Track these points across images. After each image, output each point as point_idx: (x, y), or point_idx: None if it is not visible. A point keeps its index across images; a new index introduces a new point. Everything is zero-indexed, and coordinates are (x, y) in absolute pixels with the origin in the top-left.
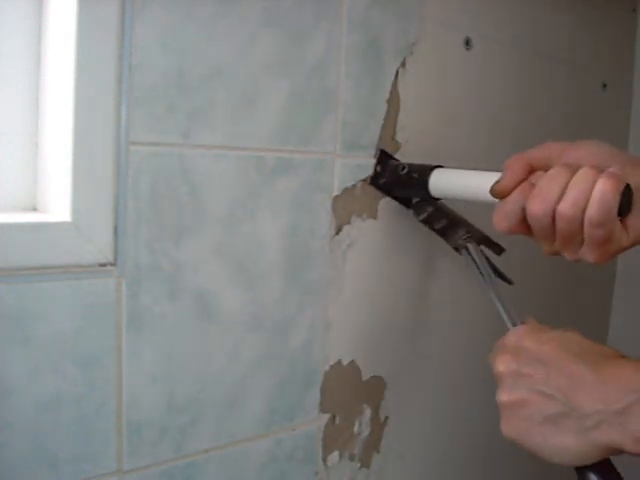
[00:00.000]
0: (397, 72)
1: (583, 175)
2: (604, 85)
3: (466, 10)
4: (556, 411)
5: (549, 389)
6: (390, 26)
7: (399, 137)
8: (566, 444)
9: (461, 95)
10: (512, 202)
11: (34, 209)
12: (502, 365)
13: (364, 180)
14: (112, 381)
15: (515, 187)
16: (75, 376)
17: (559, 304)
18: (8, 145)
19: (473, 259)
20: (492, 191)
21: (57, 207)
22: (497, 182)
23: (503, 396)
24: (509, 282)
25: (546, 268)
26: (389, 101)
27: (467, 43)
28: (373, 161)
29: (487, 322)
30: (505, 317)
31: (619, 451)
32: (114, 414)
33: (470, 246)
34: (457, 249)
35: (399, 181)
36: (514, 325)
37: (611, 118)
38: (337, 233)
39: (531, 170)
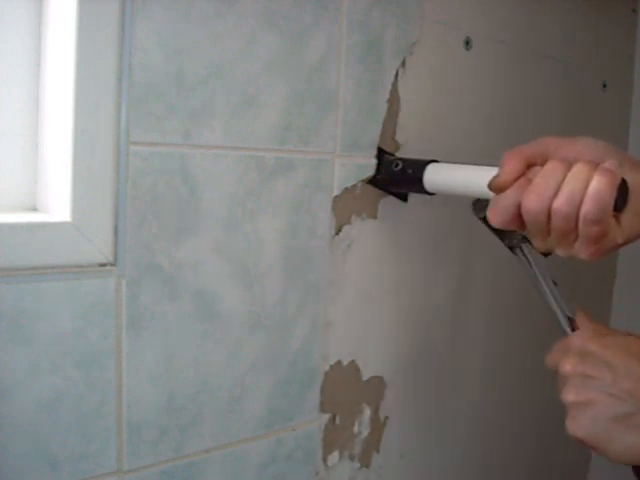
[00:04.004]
0: (397, 72)
1: (579, 171)
2: (604, 85)
3: (466, 10)
4: (624, 411)
5: (617, 391)
6: (390, 26)
7: (399, 137)
8: (632, 442)
9: (461, 95)
10: (508, 197)
11: (34, 209)
12: (569, 366)
13: (364, 180)
14: (112, 381)
15: (514, 181)
16: (75, 376)
17: None
18: (8, 145)
19: (528, 260)
20: (490, 185)
21: (57, 207)
22: (495, 177)
23: (570, 396)
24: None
25: (546, 268)
26: (389, 101)
27: (467, 43)
28: (373, 161)
29: (487, 321)
30: (562, 319)
31: None
32: (114, 414)
33: (525, 247)
34: (512, 249)
35: (394, 177)
36: (570, 325)
37: (611, 118)
38: (337, 233)
39: (528, 165)
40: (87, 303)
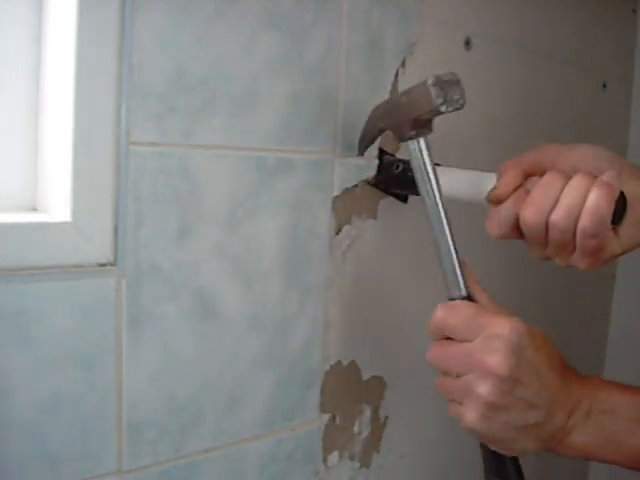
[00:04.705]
0: (397, 72)
1: (577, 183)
2: (604, 85)
3: (466, 10)
4: (535, 421)
5: (538, 400)
6: (390, 26)
7: None
8: (527, 447)
9: None
10: (505, 209)
11: (34, 209)
12: (506, 369)
13: (364, 180)
14: (112, 381)
15: (511, 193)
16: (75, 376)
17: (559, 304)
18: (8, 145)
19: (421, 154)
20: (488, 198)
21: (57, 207)
22: (493, 189)
23: (493, 397)
24: None
25: (546, 268)
26: None
27: (467, 43)
28: (373, 161)
29: None
30: (447, 260)
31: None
32: (114, 414)
33: (421, 141)
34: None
35: (394, 179)
36: (457, 277)
37: (611, 118)
38: (337, 233)
39: (526, 175)
40: (87, 303)
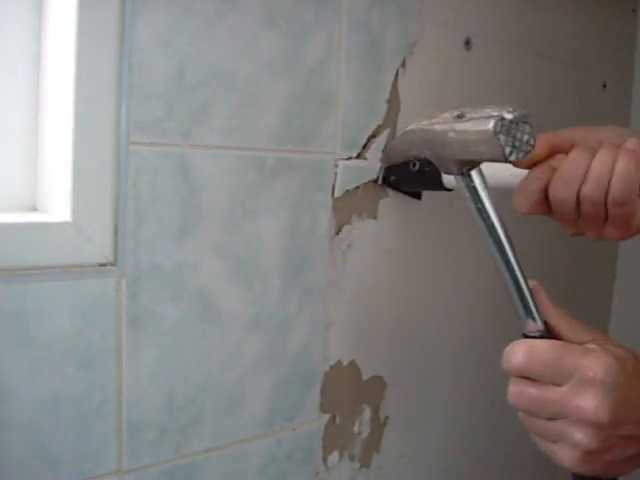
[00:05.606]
0: (397, 72)
1: (603, 155)
2: (604, 85)
3: (466, 10)
4: (633, 452)
5: (638, 430)
6: (390, 26)
7: None
8: (626, 472)
9: (461, 95)
10: (532, 182)
11: (34, 209)
12: (607, 414)
13: (373, 180)
14: (112, 381)
15: (537, 159)
16: (75, 376)
17: (558, 303)
18: (8, 145)
19: (476, 190)
20: (515, 162)
21: (57, 207)
22: None
23: (592, 444)
24: None
25: (545, 266)
26: (389, 101)
27: (467, 43)
28: (374, 161)
29: (487, 321)
30: (517, 291)
31: None
32: (114, 414)
33: (474, 173)
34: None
35: (411, 177)
36: (531, 310)
37: (611, 118)
38: (337, 233)
39: (553, 150)
40: (87, 303)
